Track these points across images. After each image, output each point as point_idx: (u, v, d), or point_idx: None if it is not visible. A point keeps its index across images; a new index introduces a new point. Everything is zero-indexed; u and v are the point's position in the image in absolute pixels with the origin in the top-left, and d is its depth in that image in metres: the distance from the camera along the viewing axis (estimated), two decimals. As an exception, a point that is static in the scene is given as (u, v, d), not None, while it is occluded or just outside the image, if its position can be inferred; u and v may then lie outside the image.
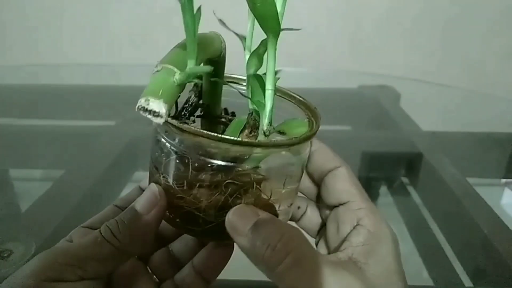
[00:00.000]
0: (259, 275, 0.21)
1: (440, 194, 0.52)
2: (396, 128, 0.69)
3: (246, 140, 0.22)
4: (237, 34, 0.24)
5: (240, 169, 0.21)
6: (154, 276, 0.27)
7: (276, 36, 0.21)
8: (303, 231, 0.27)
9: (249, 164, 0.21)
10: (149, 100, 0.16)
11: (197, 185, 0.21)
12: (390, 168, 0.63)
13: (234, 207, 0.21)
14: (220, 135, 0.20)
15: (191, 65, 0.20)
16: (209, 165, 0.21)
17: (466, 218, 0.45)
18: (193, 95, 0.25)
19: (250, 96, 0.23)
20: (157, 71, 0.18)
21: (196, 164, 0.21)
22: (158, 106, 0.16)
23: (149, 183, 0.25)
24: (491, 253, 0.39)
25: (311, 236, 0.28)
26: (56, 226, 0.41)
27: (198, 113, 0.25)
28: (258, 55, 0.22)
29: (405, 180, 0.61)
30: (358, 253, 0.21)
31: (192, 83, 0.25)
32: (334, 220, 0.24)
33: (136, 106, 0.16)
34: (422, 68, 1.09)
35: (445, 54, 1.08)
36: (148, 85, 0.17)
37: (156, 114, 0.16)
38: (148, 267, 0.27)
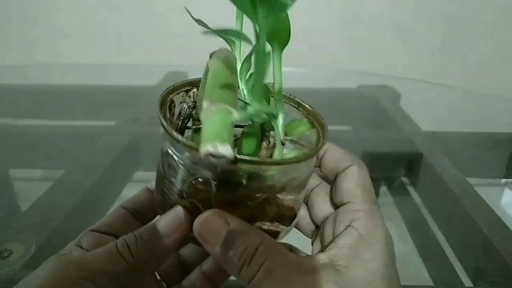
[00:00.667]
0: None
1: (440, 194, 0.52)
2: (396, 128, 0.69)
3: (287, 158, 0.21)
4: (226, 40, 0.24)
5: (263, 182, 0.21)
6: (163, 282, 0.27)
7: (284, 47, 0.20)
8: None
9: (272, 177, 0.21)
10: (217, 146, 0.16)
11: (224, 202, 0.21)
12: (390, 168, 0.63)
13: (199, 217, 0.21)
14: (269, 160, 0.20)
15: (256, 106, 0.19)
16: (234, 182, 0.21)
17: (466, 218, 0.45)
18: (186, 106, 0.24)
19: (250, 103, 0.23)
20: (211, 111, 0.17)
21: (220, 184, 0.21)
22: (226, 150, 0.16)
23: (157, 192, 0.25)
24: (491, 253, 0.39)
25: (306, 235, 0.28)
26: (56, 226, 0.41)
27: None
28: (248, 59, 0.22)
29: (405, 180, 0.61)
30: (341, 255, 0.20)
31: (183, 92, 0.25)
32: (332, 220, 0.24)
33: (203, 152, 0.16)
34: (422, 68, 1.09)
35: (445, 54, 1.08)
36: (207, 128, 0.16)
37: (222, 156, 0.16)
38: (156, 272, 0.27)
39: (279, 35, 0.20)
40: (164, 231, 0.21)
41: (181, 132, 0.24)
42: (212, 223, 0.20)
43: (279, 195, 0.22)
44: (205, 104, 0.17)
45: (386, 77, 0.93)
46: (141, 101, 0.75)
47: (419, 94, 0.93)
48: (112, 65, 1.03)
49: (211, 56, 0.22)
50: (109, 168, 0.54)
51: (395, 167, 0.62)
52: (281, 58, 0.21)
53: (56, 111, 0.82)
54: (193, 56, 0.81)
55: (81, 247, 0.22)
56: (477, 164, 0.64)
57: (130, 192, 0.61)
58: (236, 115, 0.17)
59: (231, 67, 0.21)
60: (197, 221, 0.20)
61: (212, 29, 0.20)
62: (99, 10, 1.06)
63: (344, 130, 0.79)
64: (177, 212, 0.21)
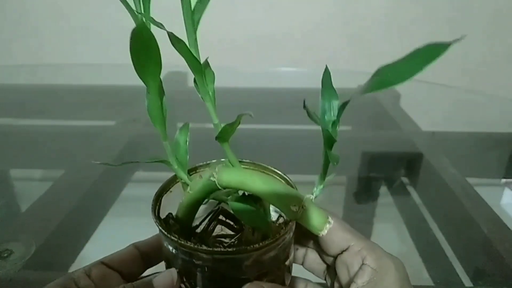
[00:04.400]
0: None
1: (440, 194, 0.52)
2: (396, 128, 0.69)
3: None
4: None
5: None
6: None
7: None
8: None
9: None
10: (330, 220, 0.22)
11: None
12: (390, 168, 0.63)
13: None
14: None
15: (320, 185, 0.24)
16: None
17: (466, 218, 0.45)
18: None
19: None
20: (305, 206, 0.22)
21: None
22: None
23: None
24: (491, 253, 0.39)
25: (318, 276, 0.29)
26: (56, 226, 0.41)
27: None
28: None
29: (405, 180, 0.61)
30: None
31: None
32: (343, 265, 0.26)
33: (327, 229, 0.22)
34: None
35: (445, 54, 1.08)
36: (316, 215, 0.22)
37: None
38: None
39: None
40: (158, 286, 0.24)
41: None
42: None
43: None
44: (294, 208, 0.21)
45: (386, 77, 0.93)
46: (141, 101, 0.75)
47: (419, 94, 0.93)
48: (112, 65, 1.03)
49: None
50: (109, 168, 0.54)
51: (395, 167, 0.62)
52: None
53: (56, 111, 0.83)
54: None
55: (89, 276, 0.24)
56: (477, 164, 0.64)
57: (130, 192, 0.61)
58: (314, 199, 0.23)
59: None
60: None
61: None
62: (101, 11, 1.06)
63: (344, 130, 0.79)
64: (172, 273, 0.25)
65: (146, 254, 0.27)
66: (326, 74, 0.23)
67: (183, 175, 0.25)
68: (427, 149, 0.60)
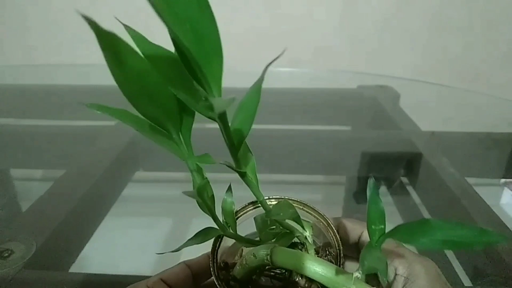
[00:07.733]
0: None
1: (440, 194, 0.53)
2: (396, 128, 0.69)
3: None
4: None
5: None
6: None
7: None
8: None
9: None
10: None
11: None
12: (390, 168, 0.63)
13: None
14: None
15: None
16: None
17: (465, 217, 0.45)
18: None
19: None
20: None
21: None
22: None
23: None
24: (490, 252, 0.39)
25: None
26: (57, 225, 0.41)
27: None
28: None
29: (404, 180, 0.61)
30: None
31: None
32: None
33: None
34: (422, 68, 1.09)
35: (445, 54, 1.08)
36: None
37: None
38: None
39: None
40: None
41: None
42: None
43: None
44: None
45: (386, 77, 0.93)
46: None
47: (419, 94, 0.93)
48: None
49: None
50: (109, 168, 0.54)
51: (395, 167, 0.62)
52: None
53: (56, 111, 0.83)
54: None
55: None
56: (477, 164, 0.64)
57: (131, 192, 0.61)
58: (359, 276, 0.24)
59: None
60: None
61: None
62: (99, 10, 1.06)
63: (344, 130, 0.79)
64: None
65: (197, 273, 0.28)
66: (371, 183, 0.25)
67: (236, 237, 0.27)
68: (427, 149, 0.60)
